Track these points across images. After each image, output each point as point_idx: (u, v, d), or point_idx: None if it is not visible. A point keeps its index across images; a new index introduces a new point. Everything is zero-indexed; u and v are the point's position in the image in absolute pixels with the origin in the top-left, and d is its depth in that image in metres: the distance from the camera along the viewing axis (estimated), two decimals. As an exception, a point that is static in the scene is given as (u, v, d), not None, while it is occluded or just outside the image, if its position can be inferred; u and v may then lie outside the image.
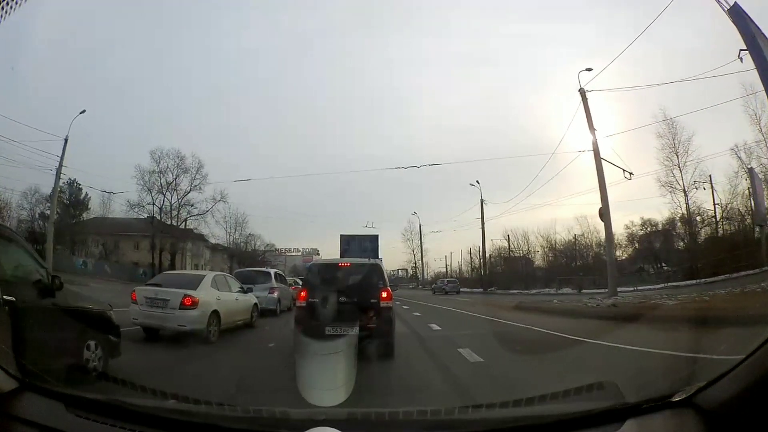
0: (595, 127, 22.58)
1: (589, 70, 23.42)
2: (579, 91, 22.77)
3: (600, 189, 21.78)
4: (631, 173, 23.95)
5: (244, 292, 12.63)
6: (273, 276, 17.49)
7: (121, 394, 2.85)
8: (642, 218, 36.77)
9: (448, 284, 39.73)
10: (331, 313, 7.44)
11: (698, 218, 32.59)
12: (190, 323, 9.95)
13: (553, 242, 39.72)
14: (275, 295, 16.54)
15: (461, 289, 39.41)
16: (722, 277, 24.17)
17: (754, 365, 1.65)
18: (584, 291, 29.26)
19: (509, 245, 42.91)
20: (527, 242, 41.37)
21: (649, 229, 37.62)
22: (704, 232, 33.13)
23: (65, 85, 56.02)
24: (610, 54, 30.15)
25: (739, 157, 29.99)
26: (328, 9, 69.51)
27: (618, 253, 37.09)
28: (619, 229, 36.11)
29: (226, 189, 42.30)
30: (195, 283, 10.68)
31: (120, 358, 6.27)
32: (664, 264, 36.08)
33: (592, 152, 22.07)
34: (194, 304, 10.03)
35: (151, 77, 65.79)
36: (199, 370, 7.00)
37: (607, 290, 24.61)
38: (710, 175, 31.36)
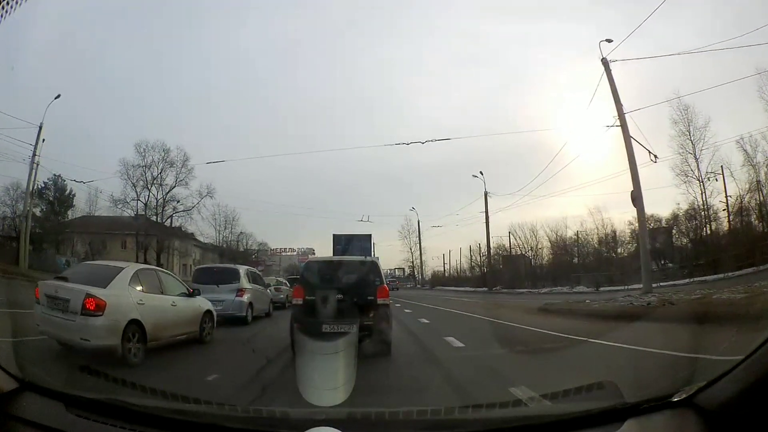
0: (621, 101, 18.94)
1: (609, 41, 20.13)
2: (602, 60, 19.30)
3: (630, 169, 18.33)
4: (656, 156, 20.70)
5: (189, 295, 8.95)
6: (243, 275, 13.59)
7: (121, 394, 2.62)
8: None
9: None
10: (328, 310, 7.09)
11: (703, 213, 29.95)
12: (96, 337, 6.54)
13: (563, 237, 36.17)
14: (244, 298, 12.85)
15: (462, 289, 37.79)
16: (750, 269, 21.63)
17: (754, 365, 1.60)
18: (602, 288, 25.82)
19: (510, 242, 39.37)
20: (535, 237, 37.72)
21: (652, 224, 34.29)
22: (713, 226, 30.28)
23: (61, 83, 52.88)
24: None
25: (745, 150, 27.12)
26: (327, 10, 65.67)
27: (620, 250, 35.36)
28: (620, 226, 34.38)
29: (212, 181, 39.35)
30: (107, 278, 7.08)
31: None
32: (667, 261, 33.22)
33: (620, 128, 18.40)
34: (99, 309, 6.49)
35: (146, 76, 62.62)
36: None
37: (627, 287, 21.65)
38: (722, 166, 28.18)
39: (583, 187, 46.66)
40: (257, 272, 15.88)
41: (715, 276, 22.77)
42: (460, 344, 8.33)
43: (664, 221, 34.19)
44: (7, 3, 3.90)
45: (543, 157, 69.48)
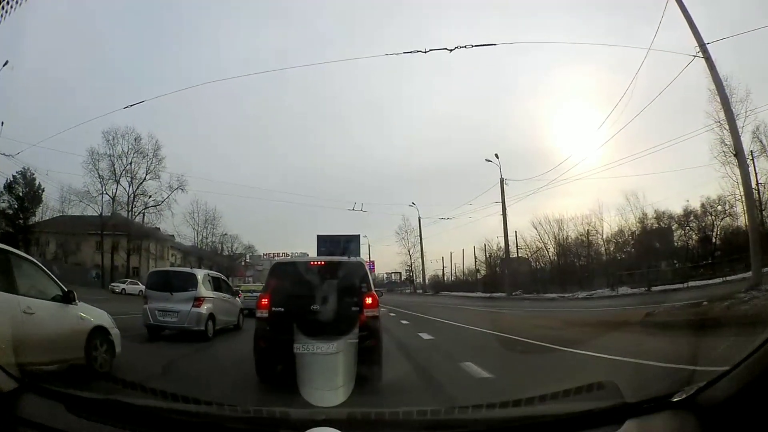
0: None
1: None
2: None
3: (726, 115, 14.38)
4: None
5: (65, 298, 5.79)
6: (200, 280, 11.29)
7: (121, 394, 2.64)
8: (656, 211, 30.48)
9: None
10: (300, 325, 5.60)
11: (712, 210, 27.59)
12: None
13: (597, 230, 31.07)
14: (202, 309, 10.76)
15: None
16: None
17: (753, 366, 1.55)
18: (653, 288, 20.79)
19: (528, 239, 33.96)
20: (562, 232, 32.36)
21: (664, 222, 31.09)
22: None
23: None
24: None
25: (761, 141, 25.29)
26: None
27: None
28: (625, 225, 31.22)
29: (200, 181, 34.76)
30: None
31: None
32: (678, 261, 29.78)
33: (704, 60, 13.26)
34: None
35: (144, 77, 58.11)
36: None
37: (686, 284, 16.88)
38: (752, 151, 25.16)
39: (612, 167, 41.01)
40: (222, 277, 13.82)
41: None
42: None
43: (676, 218, 30.92)
44: (7, 3, 3.91)
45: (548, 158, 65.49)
